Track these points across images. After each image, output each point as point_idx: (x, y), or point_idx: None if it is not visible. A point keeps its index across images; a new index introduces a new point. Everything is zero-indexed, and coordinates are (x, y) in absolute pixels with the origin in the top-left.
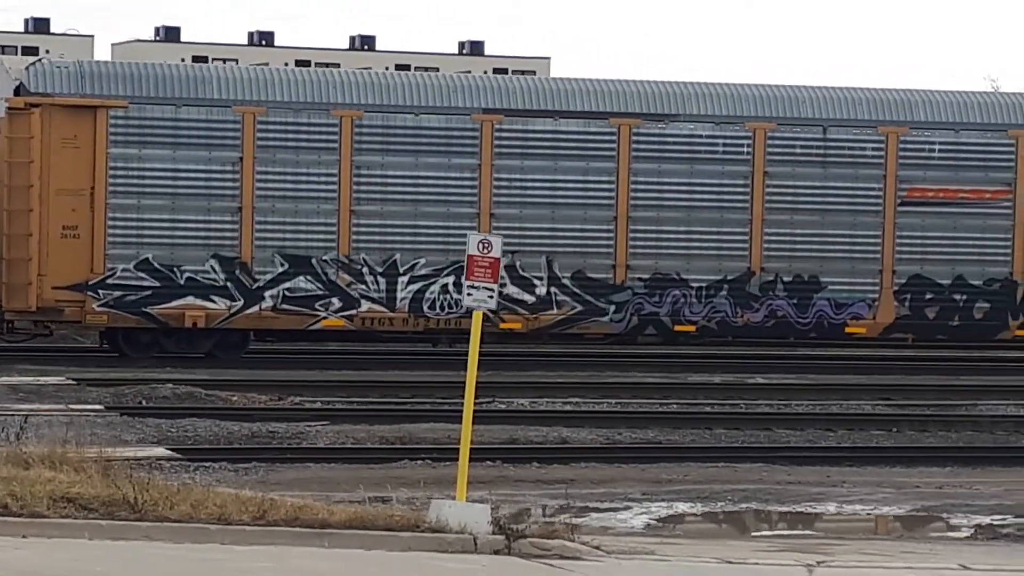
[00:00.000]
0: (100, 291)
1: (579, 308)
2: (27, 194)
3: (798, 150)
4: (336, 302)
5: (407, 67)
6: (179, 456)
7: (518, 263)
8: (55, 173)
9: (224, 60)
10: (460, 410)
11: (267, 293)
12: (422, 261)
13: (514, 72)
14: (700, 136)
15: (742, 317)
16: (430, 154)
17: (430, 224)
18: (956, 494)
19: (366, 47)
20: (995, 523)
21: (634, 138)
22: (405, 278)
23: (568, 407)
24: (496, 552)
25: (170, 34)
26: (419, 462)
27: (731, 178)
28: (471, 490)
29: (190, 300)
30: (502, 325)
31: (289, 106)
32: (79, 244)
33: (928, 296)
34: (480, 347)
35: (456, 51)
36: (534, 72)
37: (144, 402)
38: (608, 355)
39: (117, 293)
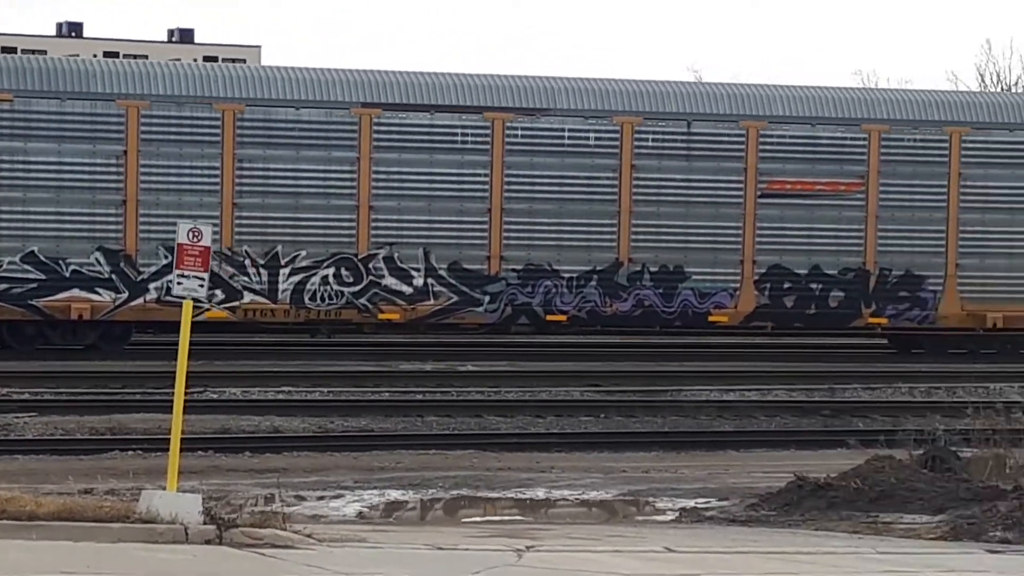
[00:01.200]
0: None
1: (455, 299)
2: None
3: (664, 144)
4: (219, 294)
5: (116, 54)
6: None
7: (396, 255)
8: None
9: None
10: (171, 400)
11: (151, 285)
12: (303, 253)
13: (224, 60)
14: (570, 130)
15: (611, 306)
16: (310, 147)
17: (311, 216)
18: (662, 478)
19: (73, 34)
20: (699, 506)
21: (507, 132)
22: (287, 270)
23: (280, 396)
24: (207, 542)
25: None
26: (130, 452)
27: (600, 171)
28: (183, 480)
29: (75, 292)
30: (380, 316)
31: (172, 100)
32: None
33: (786, 285)
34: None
35: (166, 39)
36: (244, 60)
37: None
38: (319, 344)
39: (3, 286)
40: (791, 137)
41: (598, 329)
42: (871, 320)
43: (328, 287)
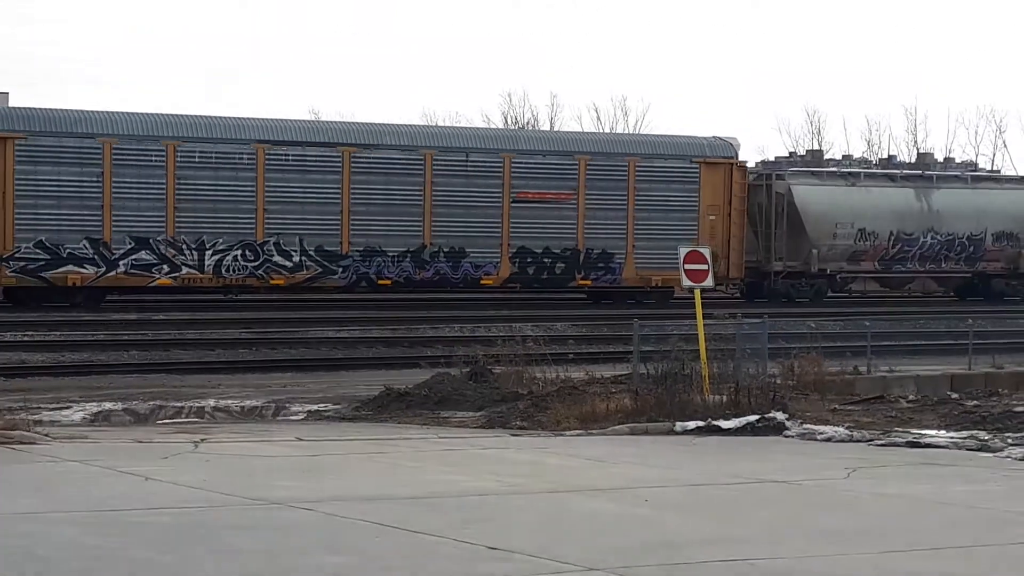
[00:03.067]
0: (11, 262)
1: (320, 270)
2: None
3: (452, 167)
4: (166, 268)
5: None
6: None
7: (281, 241)
8: None
9: None
10: None
11: (121, 262)
12: (220, 240)
13: None
14: (392, 159)
15: (419, 274)
16: (225, 170)
17: (226, 216)
18: (295, 391)
19: None
20: (320, 409)
21: (352, 160)
22: (210, 251)
23: (25, 338)
24: None
25: None
26: None
27: (412, 185)
28: None
29: (70, 268)
30: (272, 282)
31: (134, 137)
32: None
33: (529, 259)
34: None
35: None
36: None
37: None
38: (53, 303)
39: (22, 263)
40: (532, 163)
41: (411, 288)
42: (581, 282)
43: (237, 263)
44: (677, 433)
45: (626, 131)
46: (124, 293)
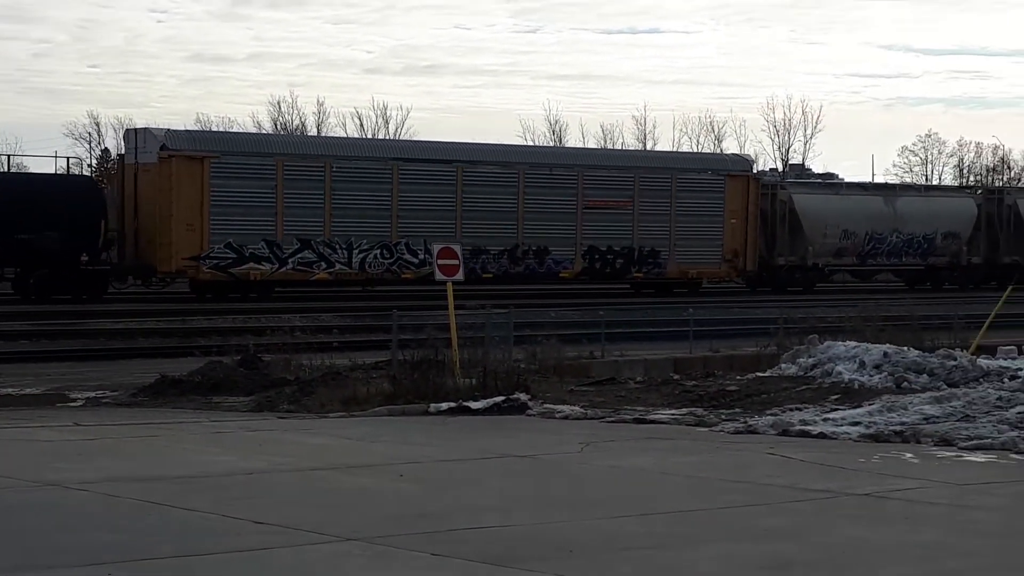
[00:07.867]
0: (206, 260)
1: None
2: (168, 208)
3: (538, 180)
4: (324, 264)
5: None
6: None
7: (410, 242)
8: (181, 194)
9: None
10: None
11: (289, 260)
12: (364, 241)
13: None
14: (493, 173)
15: (514, 269)
16: (367, 183)
17: (369, 222)
18: (75, 379)
19: None
20: (99, 396)
21: (463, 174)
22: (357, 250)
23: None
24: None
25: None
26: None
27: (508, 195)
28: None
29: (251, 265)
30: (403, 276)
31: (300, 156)
32: (195, 234)
33: (596, 256)
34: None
35: None
36: None
37: None
38: None
39: (215, 261)
40: (599, 176)
41: (508, 281)
42: (636, 275)
43: (377, 260)
44: (431, 414)
45: (387, 137)
46: (288, 287)
